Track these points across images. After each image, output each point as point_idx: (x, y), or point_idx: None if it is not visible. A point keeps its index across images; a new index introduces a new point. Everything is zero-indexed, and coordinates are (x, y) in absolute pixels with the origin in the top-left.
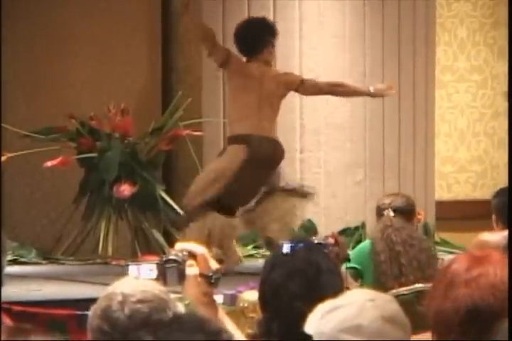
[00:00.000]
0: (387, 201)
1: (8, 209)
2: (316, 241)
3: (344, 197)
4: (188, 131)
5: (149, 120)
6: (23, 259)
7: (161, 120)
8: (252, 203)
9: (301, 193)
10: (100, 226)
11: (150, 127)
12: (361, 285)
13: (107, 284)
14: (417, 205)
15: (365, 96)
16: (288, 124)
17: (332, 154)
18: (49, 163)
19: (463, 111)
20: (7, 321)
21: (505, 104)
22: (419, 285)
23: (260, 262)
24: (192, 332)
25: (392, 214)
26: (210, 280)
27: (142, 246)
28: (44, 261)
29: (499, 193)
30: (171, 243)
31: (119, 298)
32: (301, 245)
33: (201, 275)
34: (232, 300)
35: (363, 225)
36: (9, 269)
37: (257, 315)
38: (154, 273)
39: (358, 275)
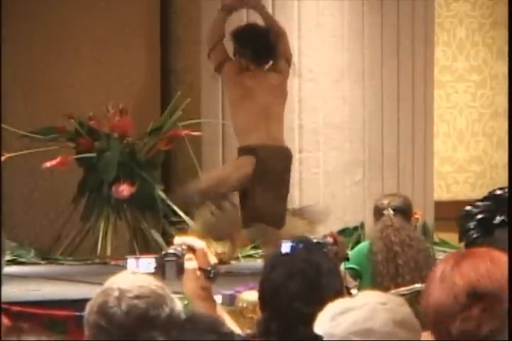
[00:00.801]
0: (385, 201)
1: (9, 209)
2: (315, 241)
3: (343, 197)
4: (186, 132)
5: (148, 120)
6: (21, 259)
7: (159, 120)
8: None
9: (309, 218)
10: (99, 226)
11: (149, 127)
12: (359, 286)
13: None
14: (416, 205)
15: (365, 96)
16: (287, 124)
17: (331, 154)
18: (48, 164)
19: (462, 111)
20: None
21: (504, 104)
22: (418, 285)
23: (259, 262)
24: (204, 332)
25: (392, 213)
26: (209, 275)
27: (141, 246)
28: (43, 261)
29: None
30: (170, 243)
31: (116, 293)
32: (300, 245)
33: (200, 269)
34: (231, 301)
35: (362, 225)
36: (8, 269)
37: (256, 315)
38: (152, 267)
39: (357, 275)
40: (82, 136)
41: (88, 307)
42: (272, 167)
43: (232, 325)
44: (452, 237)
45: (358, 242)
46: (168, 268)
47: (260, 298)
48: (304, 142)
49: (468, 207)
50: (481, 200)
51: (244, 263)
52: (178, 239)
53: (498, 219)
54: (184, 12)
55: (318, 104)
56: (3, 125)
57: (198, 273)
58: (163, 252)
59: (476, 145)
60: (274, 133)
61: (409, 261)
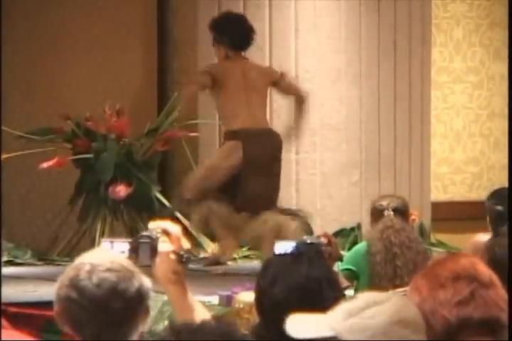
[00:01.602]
0: (384, 202)
1: (6, 210)
2: (308, 241)
3: (340, 198)
4: (183, 132)
5: (145, 121)
6: (18, 260)
7: (156, 121)
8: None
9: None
10: (96, 227)
11: (146, 128)
12: (357, 287)
13: None
14: (413, 206)
15: (361, 97)
16: (284, 125)
17: (328, 155)
18: (45, 165)
19: (459, 112)
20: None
21: (501, 105)
22: None
23: (255, 263)
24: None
25: (392, 214)
26: (182, 259)
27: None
28: (39, 262)
29: (489, 194)
30: None
31: (88, 267)
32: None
33: (173, 252)
34: (227, 301)
35: (359, 226)
36: (4, 270)
37: (252, 316)
38: (126, 249)
39: (354, 276)
40: (79, 136)
41: (58, 282)
42: (257, 149)
43: (205, 314)
44: (449, 238)
45: (354, 243)
46: (142, 250)
47: (258, 308)
48: (300, 143)
49: (499, 207)
50: None
51: (241, 264)
52: (153, 223)
53: None
54: (181, 12)
55: (315, 105)
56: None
57: (172, 256)
58: (138, 235)
59: (473, 146)
60: (258, 117)
61: (407, 263)
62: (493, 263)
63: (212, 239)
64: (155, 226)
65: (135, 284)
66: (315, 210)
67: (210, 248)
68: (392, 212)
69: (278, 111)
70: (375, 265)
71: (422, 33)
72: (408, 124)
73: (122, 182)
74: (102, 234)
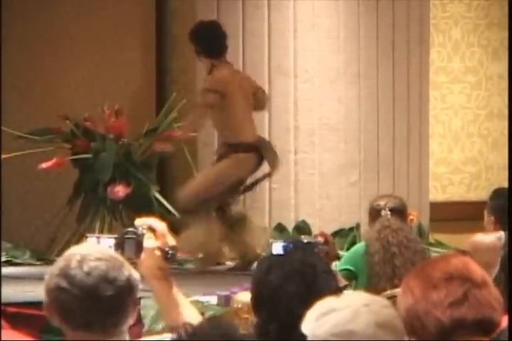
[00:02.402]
0: (382, 202)
1: (7, 209)
2: (305, 241)
3: (338, 198)
4: (182, 132)
5: (144, 121)
6: (17, 260)
7: (155, 121)
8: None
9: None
10: (94, 227)
11: (144, 128)
12: (355, 287)
13: None
14: (412, 206)
15: (360, 97)
16: (282, 125)
17: (326, 155)
18: (43, 165)
19: (457, 112)
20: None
21: (500, 105)
22: None
23: (254, 263)
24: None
25: (389, 214)
26: (167, 255)
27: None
28: (38, 262)
29: (497, 194)
30: None
31: (78, 257)
32: (291, 245)
33: (158, 248)
34: (226, 301)
35: (358, 226)
36: (3, 270)
37: (251, 316)
38: (112, 247)
39: (352, 276)
40: (78, 137)
41: (49, 273)
42: (274, 159)
43: (191, 310)
44: (448, 238)
45: (353, 243)
46: (128, 245)
47: (255, 299)
48: (299, 143)
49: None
50: None
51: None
52: (139, 220)
53: None
54: (179, 12)
55: (314, 105)
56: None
57: (157, 252)
58: (124, 231)
59: (471, 146)
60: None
61: (406, 263)
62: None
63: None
64: (141, 222)
65: (125, 273)
66: (314, 210)
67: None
68: (389, 212)
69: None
70: (374, 265)
71: (420, 33)
72: (407, 124)
73: (121, 182)
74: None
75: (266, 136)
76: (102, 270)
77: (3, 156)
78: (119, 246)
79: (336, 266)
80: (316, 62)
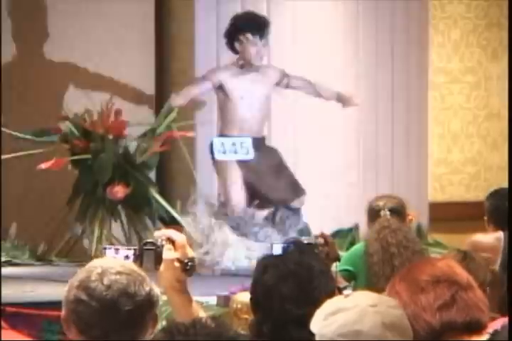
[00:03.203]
0: (381, 202)
1: (6, 210)
2: (306, 242)
3: (337, 199)
4: (181, 133)
5: (143, 121)
6: (16, 261)
7: (154, 122)
8: None
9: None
10: (94, 227)
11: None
12: (354, 287)
13: None
14: (411, 207)
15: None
16: (280, 126)
17: (326, 155)
18: (43, 165)
19: (456, 113)
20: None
21: (499, 106)
22: None
23: (253, 263)
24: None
25: (388, 214)
26: (186, 267)
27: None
28: (37, 263)
29: (493, 195)
30: None
31: (99, 270)
32: (291, 246)
33: (178, 260)
34: (225, 302)
35: (357, 226)
36: (3, 271)
37: (250, 316)
38: (131, 258)
39: (352, 277)
40: (77, 137)
41: (68, 284)
42: None
43: None
44: (447, 238)
45: (352, 243)
46: (146, 257)
47: (252, 299)
48: (298, 144)
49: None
50: None
51: (239, 265)
52: (158, 232)
53: None
54: (178, 13)
55: (313, 106)
56: None
57: (176, 264)
58: (142, 242)
59: (470, 146)
60: None
61: (405, 263)
62: None
63: None
64: (160, 233)
65: (145, 288)
66: (313, 211)
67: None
68: (388, 212)
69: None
70: (373, 265)
71: (419, 34)
72: (406, 125)
73: (120, 182)
74: (100, 235)
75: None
76: (123, 284)
77: (2, 157)
78: (138, 258)
79: (336, 266)
80: (315, 63)
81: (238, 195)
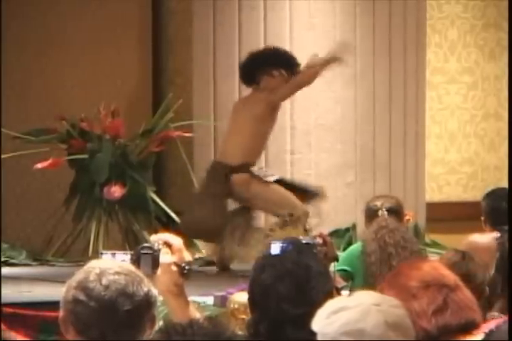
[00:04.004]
0: (378, 202)
1: (3, 210)
2: (304, 241)
3: (335, 199)
4: (178, 133)
5: (140, 121)
6: (13, 261)
7: (151, 121)
8: None
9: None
10: (91, 227)
11: (141, 129)
12: (351, 287)
13: None
14: (408, 207)
15: (356, 97)
16: (279, 126)
17: (323, 155)
18: (39, 165)
19: (453, 113)
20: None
21: (496, 106)
22: None
23: (251, 264)
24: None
25: (386, 214)
26: (183, 271)
27: (133, 248)
28: (34, 263)
29: (489, 195)
30: None
31: (97, 270)
32: (290, 245)
33: (175, 264)
34: (222, 302)
35: (354, 226)
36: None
37: (248, 316)
38: (128, 259)
39: (349, 277)
40: (74, 137)
41: (66, 285)
42: None
43: None
44: (444, 238)
45: (349, 243)
46: (144, 261)
47: (250, 298)
48: (295, 143)
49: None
50: None
51: (236, 265)
52: (155, 236)
53: None
54: (176, 12)
55: (310, 106)
56: None
57: (173, 268)
58: (139, 246)
59: (467, 146)
60: None
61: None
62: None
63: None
64: (157, 238)
65: (144, 288)
66: (310, 211)
67: (205, 249)
68: (386, 212)
69: None
70: (371, 265)
71: (416, 34)
72: (403, 125)
73: (117, 182)
74: (97, 235)
75: None
76: (121, 284)
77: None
78: (135, 262)
79: (334, 266)
80: None
81: None
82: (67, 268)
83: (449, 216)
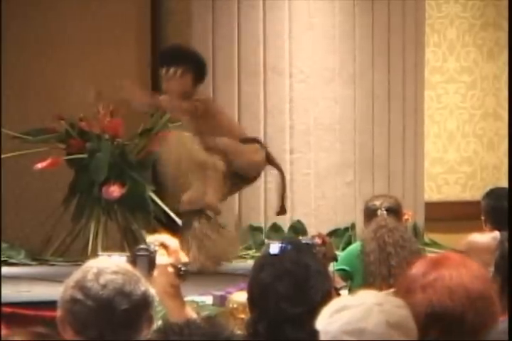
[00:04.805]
0: (377, 202)
1: (2, 210)
2: (303, 242)
3: (334, 198)
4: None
5: (139, 121)
6: (12, 260)
7: (150, 121)
8: None
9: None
10: (89, 227)
11: (140, 128)
12: (350, 287)
13: None
14: (407, 206)
15: (355, 97)
16: (278, 125)
17: (322, 155)
18: (39, 165)
19: (452, 112)
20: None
21: (495, 105)
22: None
23: (250, 263)
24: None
25: (385, 214)
26: (179, 272)
27: (132, 247)
28: (33, 262)
29: (489, 194)
30: None
31: (94, 270)
32: (289, 245)
33: (171, 265)
34: (221, 301)
35: (353, 226)
36: None
37: (247, 316)
38: (124, 261)
39: (348, 276)
40: (73, 137)
41: (64, 285)
42: None
43: None
44: (443, 238)
45: (348, 243)
46: (140, 262)
47: (249, 298)
48: (294, 143)
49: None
50: None
51: (235, 264)
52: (151, 237)
53: None
54: (175, 12)
55: (309, 105)
56: None
57: (170, 269)
58: (136, 248)
59: (466, 146)
60: None
61: (401, 262)
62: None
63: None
64: (153, 239)
65: (141, 288)
66: (309, 210)
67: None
68: (385, 212)
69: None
70: (369, 264)
71: (415, 34)
72: (402, 124)
73: (116, 182)
74: (96, 234)
75: (261, 135)
76: (118, 283)
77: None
78: (132, 264)
79: (333, 266)
80: (312, 63)
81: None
82: (66, 267)
83: (448, 215)
